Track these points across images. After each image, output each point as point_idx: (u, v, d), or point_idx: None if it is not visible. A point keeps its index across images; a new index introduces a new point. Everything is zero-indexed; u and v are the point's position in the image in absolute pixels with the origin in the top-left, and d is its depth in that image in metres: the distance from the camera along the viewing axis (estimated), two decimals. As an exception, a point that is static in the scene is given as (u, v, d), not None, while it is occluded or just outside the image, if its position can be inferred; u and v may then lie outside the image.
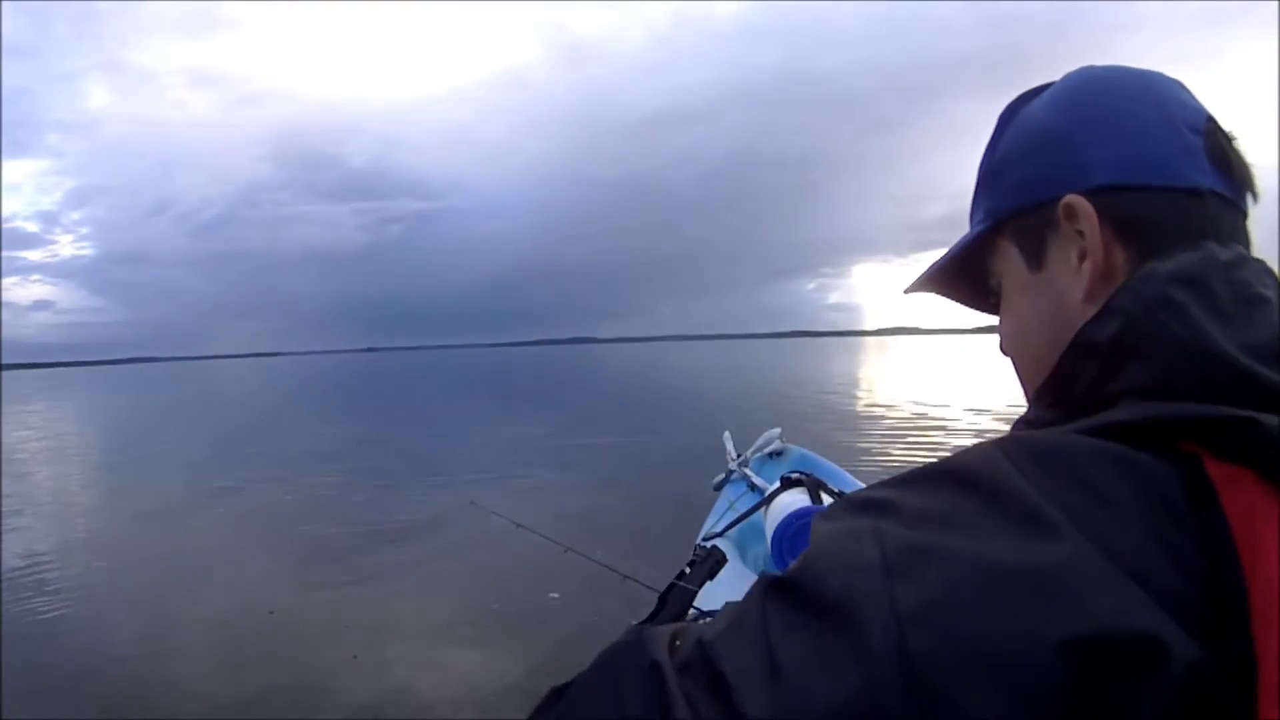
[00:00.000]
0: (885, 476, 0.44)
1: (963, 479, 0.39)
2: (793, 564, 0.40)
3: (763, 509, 2.75)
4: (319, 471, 11.90)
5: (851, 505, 0.42)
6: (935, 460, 0.41)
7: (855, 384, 29.91)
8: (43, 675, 4.53)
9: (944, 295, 0.67)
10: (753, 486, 3.61)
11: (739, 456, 4.01)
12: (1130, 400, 0.42)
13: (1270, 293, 0.44)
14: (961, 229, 0.62)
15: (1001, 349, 0.61)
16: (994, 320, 0.63)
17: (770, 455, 4.07)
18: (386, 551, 6.94)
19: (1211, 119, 0.51)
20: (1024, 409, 0.55)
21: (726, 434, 4.32)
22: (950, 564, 0.34)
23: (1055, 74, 0.58)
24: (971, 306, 0.67)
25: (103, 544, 8.05)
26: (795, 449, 4.09)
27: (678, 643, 0.42)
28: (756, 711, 0.34)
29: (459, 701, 3.98)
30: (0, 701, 4.12)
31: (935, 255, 0.67)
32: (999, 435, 0.42)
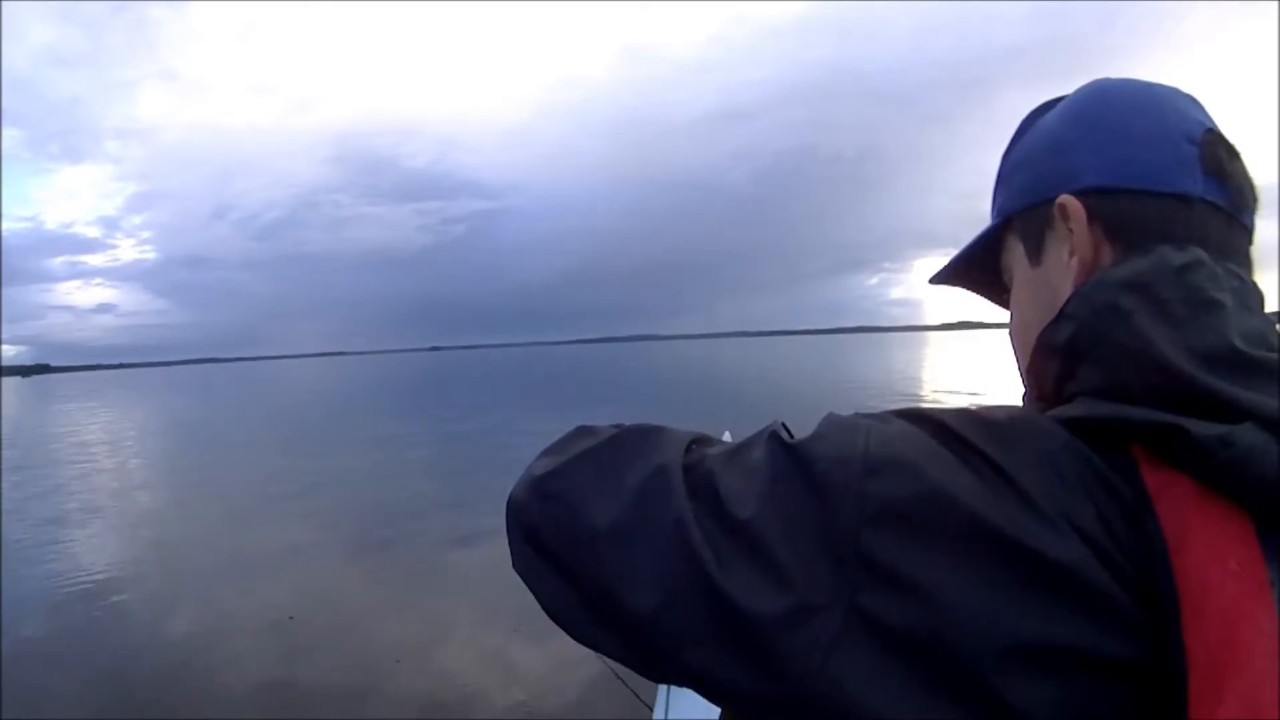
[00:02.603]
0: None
1: (938, 423, 0.44)
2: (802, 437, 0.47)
3: None
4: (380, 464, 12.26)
5: (860, 412, 0.49)
6: (930, 409, 0.46)
7: (916, 379, 30.14)
8: (70, 675, 4.67)
9: (966, 289, 0.72)
10: None
11: None
12: (1084, 399, 0.45)
13: (1225, 296, 0.45)
14: None
15: (1011, 343, 0.65)
16: None
17: None
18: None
19: (1211, 131, 0.53)
20: None
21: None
22: (914, 481, 0.40)
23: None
24: (992, 301, 0.71)
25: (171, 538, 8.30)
26: None
27: (694, 447, 0.52)
28: (743, 518, 0.43)
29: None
30: (0, 701, 4.18)
31: None
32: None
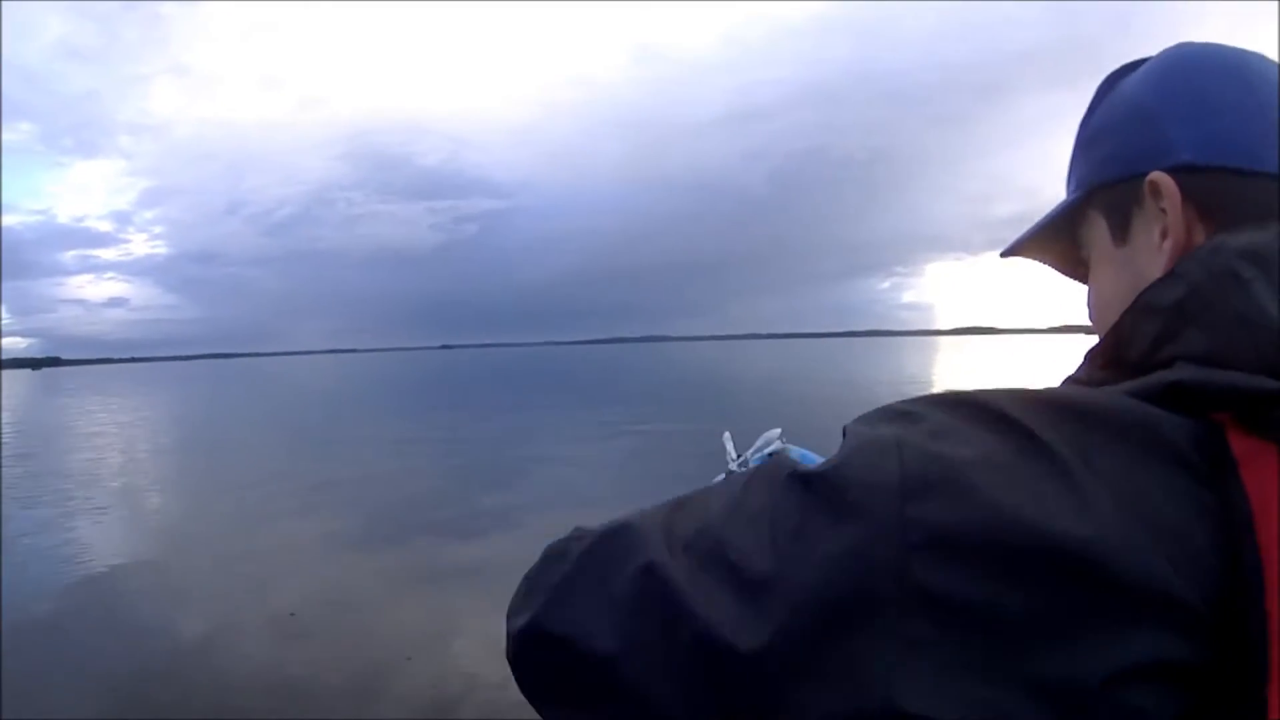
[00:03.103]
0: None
1: (994, 413, 0.41)
2: (820, 463, 0.43)
3: None
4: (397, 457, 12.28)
5: (886, 413, 0.45)
6: (967, 389, 0.44)
7: (927, 384, 30.26)
8: (63, 675, 4.67)
9: (1039, 260, 0.69)
10: None
11: (739, 457, 4.19)
12: (1183, 364, 0.43)
13: None
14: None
15: (1090, 319, 0.63)
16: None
17: (770, 456, 3.96)
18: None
19: None
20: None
21: (727, 434, 4.18)
22: (961, 499, 0.37)
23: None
24: (1065, 274, 0.69)
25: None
26: (795, 449, 4.07)
27: (675, 522, 0.47)
28: (763, 571, 0.40)
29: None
30: None
31: None
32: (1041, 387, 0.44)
